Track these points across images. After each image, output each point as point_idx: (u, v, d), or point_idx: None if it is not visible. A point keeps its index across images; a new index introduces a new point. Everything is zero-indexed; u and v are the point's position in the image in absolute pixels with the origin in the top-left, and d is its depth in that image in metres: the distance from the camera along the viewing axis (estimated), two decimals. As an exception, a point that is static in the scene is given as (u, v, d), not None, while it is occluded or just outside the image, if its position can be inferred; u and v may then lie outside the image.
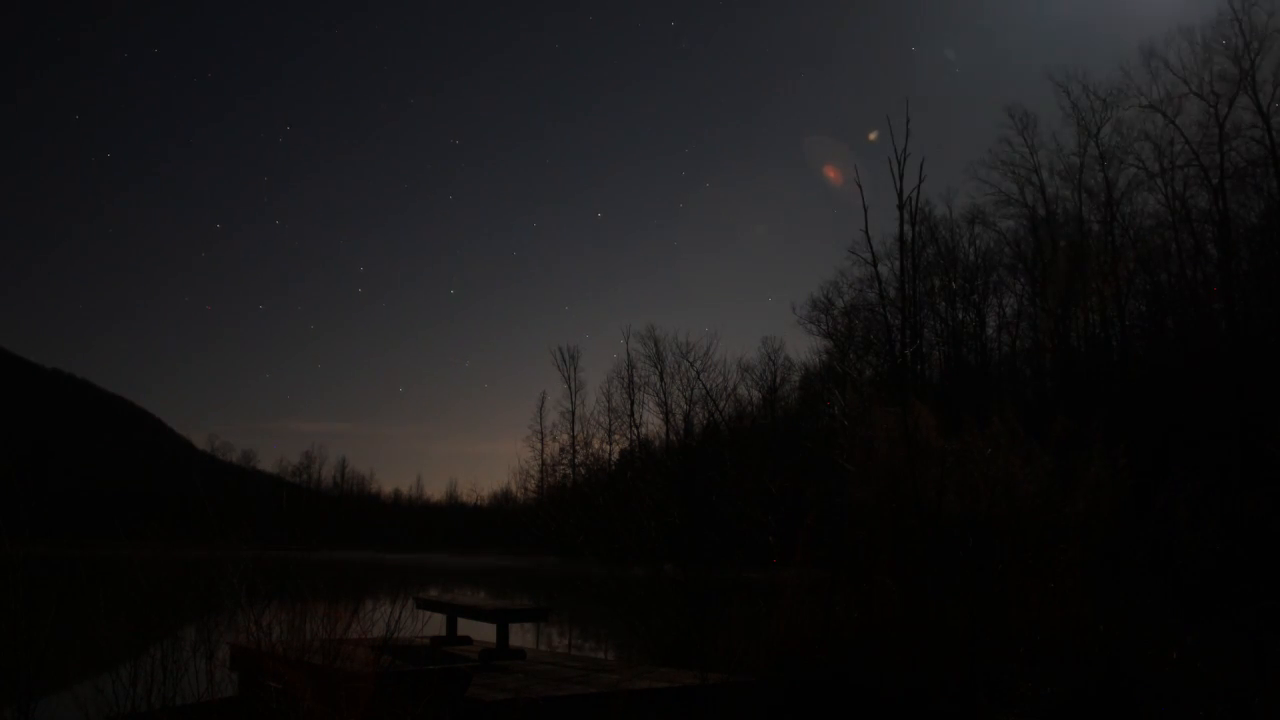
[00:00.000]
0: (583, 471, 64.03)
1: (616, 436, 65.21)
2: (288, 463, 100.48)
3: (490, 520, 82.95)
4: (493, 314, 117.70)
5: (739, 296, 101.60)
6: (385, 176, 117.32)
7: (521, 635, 12.83)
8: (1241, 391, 26.75)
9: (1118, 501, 8.22)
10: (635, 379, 63.51)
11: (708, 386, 56.14)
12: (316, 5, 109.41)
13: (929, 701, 6.88)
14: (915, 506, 7.83)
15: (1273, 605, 8.16)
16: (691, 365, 57.29)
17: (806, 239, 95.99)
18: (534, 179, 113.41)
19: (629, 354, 64.03)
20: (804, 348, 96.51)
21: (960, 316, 43.00)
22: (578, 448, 67.35)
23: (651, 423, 65.05)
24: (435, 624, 10.37)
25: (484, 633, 10.17)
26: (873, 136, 8.12)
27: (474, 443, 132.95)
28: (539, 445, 69.85)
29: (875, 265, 10.17)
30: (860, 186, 8.53)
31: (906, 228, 8.94)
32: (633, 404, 64.06)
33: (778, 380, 57.82)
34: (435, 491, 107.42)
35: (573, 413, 68.07)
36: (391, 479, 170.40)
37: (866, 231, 8.76)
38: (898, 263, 9.82)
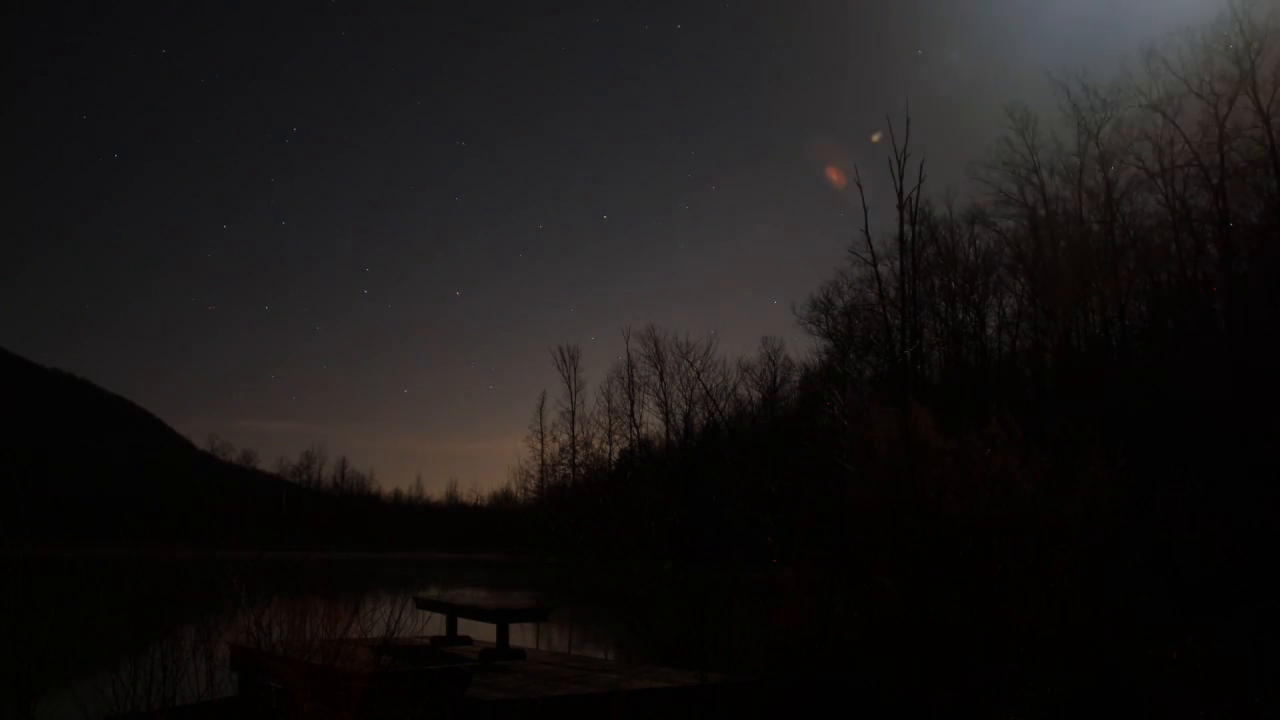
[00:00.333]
0: (583, 471, 63.98)
1: (616, 436, 65.19)
2: (288, 463, 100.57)
3: (490, 520, 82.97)
4: (496, 315, 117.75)
5: (739, 297, 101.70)
6: (391, 177, 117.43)
7: (521, 635, 12.83)
8: (1241, 391, 26.75)
9: (1117, 501, 8.22)
10: (635, 379, 63.48)
11: (708, 386, 56.12)
12: (322, 5, 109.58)
13: (929, 702, 6.88)
14: (915, 506, 7.83)
15: (1273, 605, 8.17)
16: (691, 365, 57.27)
17: (807, 239, 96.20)
18: (540, 180, 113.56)
19: (629, 354, 64.10)
20: (804, 348, 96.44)
21: (960, 316, 43.01)
22: (578, 448, 67.31)
23: (651, 423, 65.13)
24: (435, 624, 10.37)
25: (484, 633, 10.17)
26: (876, 138, 8.12)
27: (474, 443, 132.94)
28: (539, 445, 69.83)
29: (875, 265, 10.17)
30: (860, 187, 8.54)
31: (906, 228, 8.95)
32: (633, 404, 64.04)
33: (778, 380, 57.81)
34: (435, 491, 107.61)
35: (573, 413, 68.04)
36: (391, 479, 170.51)
37: (866, 231, 8.78)
38: (898, 263, 9.82)
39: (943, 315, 43.35)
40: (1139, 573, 7.92)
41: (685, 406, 59.07)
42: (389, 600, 6.82)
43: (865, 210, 8.58)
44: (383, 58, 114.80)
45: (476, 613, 9.80)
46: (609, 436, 65.17)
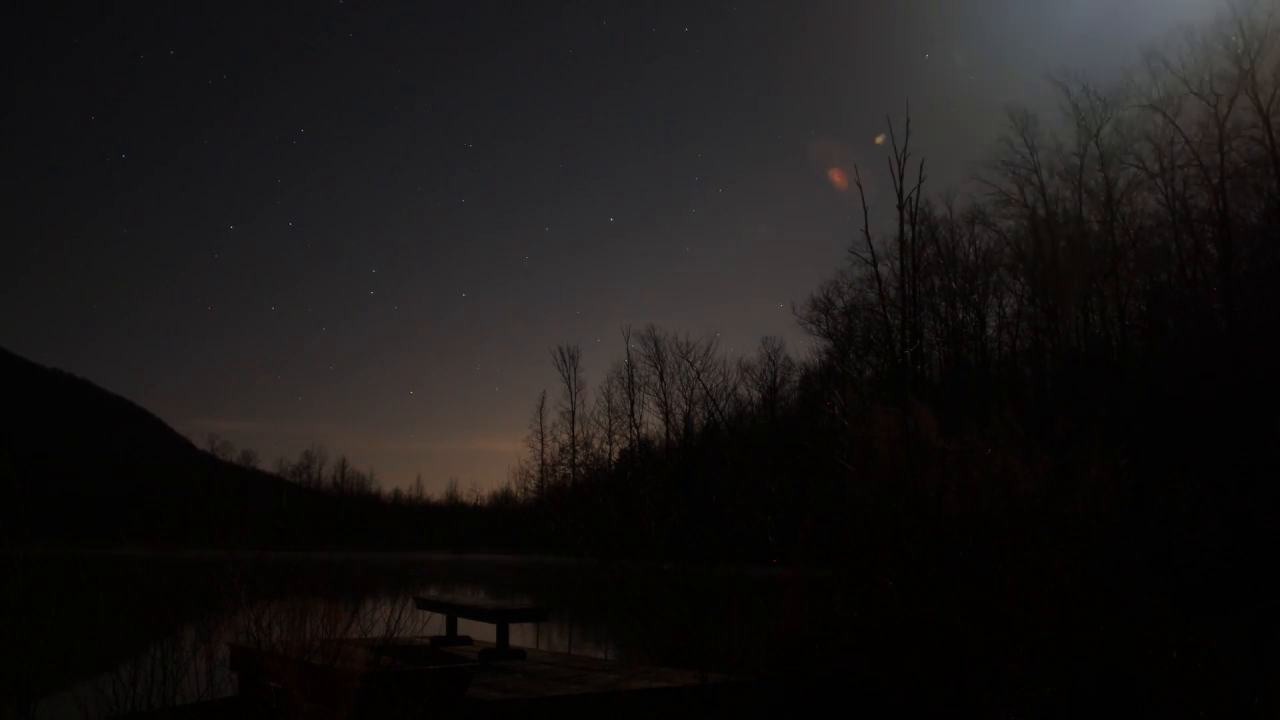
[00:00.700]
0: (583, 471, 64.06)
1: (616, 436, 65.29)
2: (288, 463, 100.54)
3: (490, 520, 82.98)
4: (500, 316, 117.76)
5: (739, 297, 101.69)
6: (398, 179, 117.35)
7: (521, 635, 12.83)
8: (1241, 391, 26.74)
9: (1117, 501, 8.22)
10: (635, 379, 63.59)
11: (708, 386, 56.20)
12: (329, 7, 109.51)
13: (929, 701, 6.88)
14: (915, 506, 7.83)
15: (1273, 605, 8.17)
16: (691, 365, 57.35)
17: (807, 239, 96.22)
18: (547, 183, 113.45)
19: (629, 354, 64.15)
20: (804, 348, 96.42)
21: (960, 316, 43.03)
22: (578, 448, 67.41)
23: (651, 423, 65.16)
24: (435, 624, 10.38)
25: (484, 633, 10.17)
26: (879, 140, 8.11)
27: (474, 443, 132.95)
28: (539, 445, 69.95)
29: (875, 265, 10.17)
30: (860, 187, 8.53)
31: (906, 228, 8.94)
32: (633, 404, 64.11)
33: (778, 380, 57.87)
34: (435, 491, 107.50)
35: (573, 413, 68.15)
36: (391, 479, 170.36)
37: (866, 232, 8.77)
38: (898, 263, 9.82)
39: (943, 315, 43.38)
40: (1139, 573, 7.91)
41: (685, 406, 59.13)
42: (389, 600, 6.82)
43: (865, 210, 8.57)
44: (390, 60, 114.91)
45: (476, 613, 9.80)
46: (609, 436, 65.31)
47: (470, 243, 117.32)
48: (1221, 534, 8.13)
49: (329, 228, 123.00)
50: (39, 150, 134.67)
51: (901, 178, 8.32)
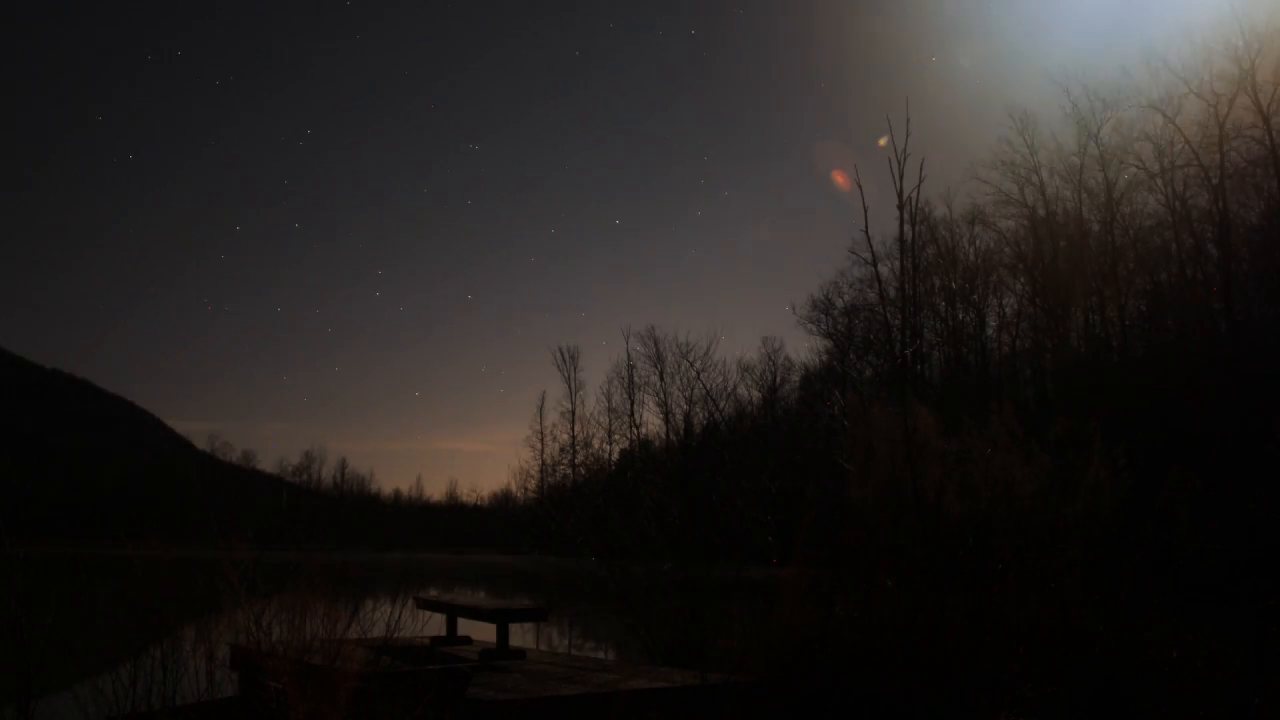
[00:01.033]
0: (583, 471, 64.08)
1: (616, 436, 65.32)
2: (288, 463, 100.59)
3: (490, 520, 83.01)
4: (505, 317, 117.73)
5: (739, 297, 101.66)
6: (405, 180, 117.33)
7: (521, 635, 12.84)
8: (1241, 391, 26.75)
9: (1117, 501, 8.22)
10: (635, 379, 63.60)
11: (708, 386, 56.20)
12: (336, 9, 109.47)
13: (929, 702, 6.88)
14: (915, 507, 7.83)
15: (1273, 605, 8.16)
16: (691, 365, 57.36)
17: (807, 239, 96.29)
18: (553, 185, 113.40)
19: (629, 354, 64.14)
20: (804, 348, 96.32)
21: (960, 316, 43.03)
22: (578, 448, 67.42)
23: (651, 423, 65.19)
24: (435, 624, 10.38)
25: (484, 633, 10.18)
26: (882, 142, 8.11)
27: (474, 443, 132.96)
28: (539, 445, 69.91)
29: (875, 265, 10.18)
30: (860, 186, 8.53)
31: (906, 228, 8.95)
32: (633, 404, 64.14)
33: (778, 380, 57.89)
34: (435, 491, 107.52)
35: (573, 413, 68.16)
36: (391, 479, 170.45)
37: (866, 232, 8.76)
38: (898, 263, 9.83)
39: (943, 315, 43.39)
40: (1139, 573, 7.91)
41: (685, 406, 59.14)
42: (389, 600, 6.82)
43: (865, 210, 8.57)
44: (397, 61, 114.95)
45: (476, 613, 9.80)
46: (609, 436, 65.34)
47: (476, 244, 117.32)
48: (1221, 534, 8.13)
49: (335, 229, 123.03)
50: (42, 150, 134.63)
51: (901, 178, 8.32)
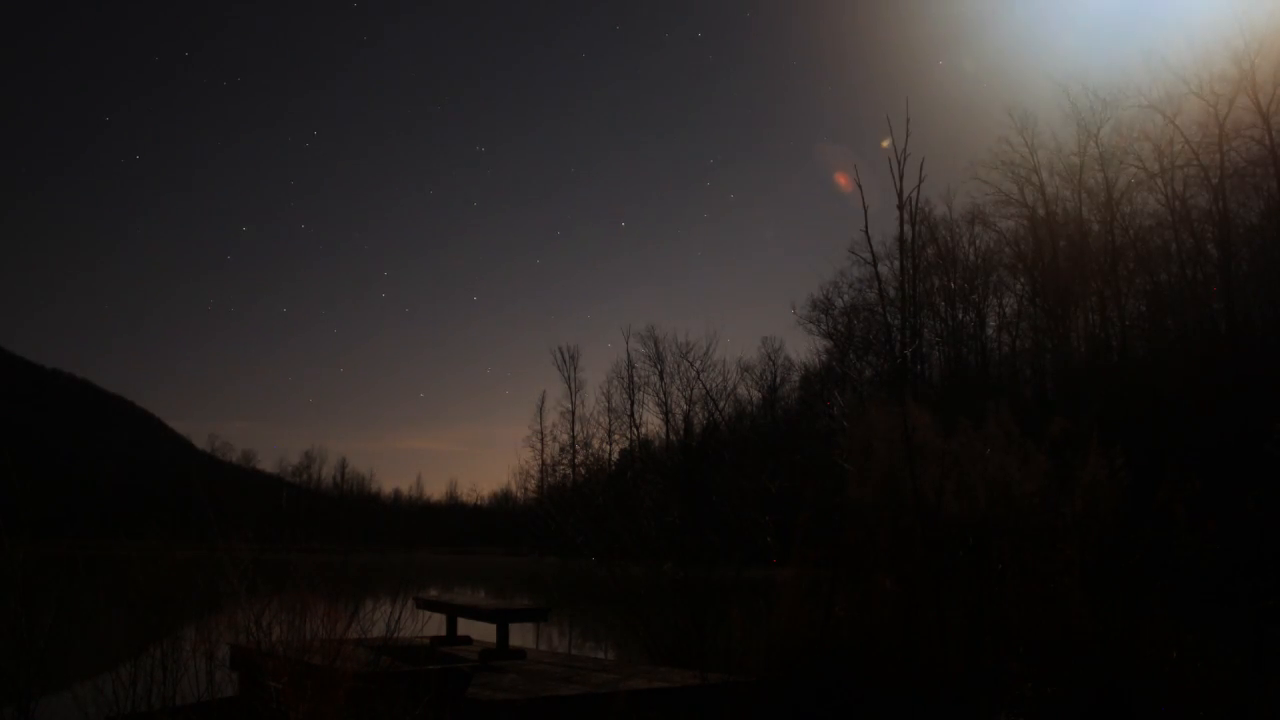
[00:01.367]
0: (583, 471, 64.07)
1: (616, 436, 65.31)
2: (288, 463, 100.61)
3: (490, 520, 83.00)
4: (508, 318, 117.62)
5: (739, 297, 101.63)
6: (411, 182, 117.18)
7: (521, 635, 12.83)
8: (1241, 391, 26.75)
9: (1116, 501, 8.22)
10: (635, 379, 63.60)
11: (708, 386, 56.22)
12: (344, 11, 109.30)
13: (929, 702, 6.88)
14: (915, 507, 7.83)
15: (1273, 605, 8.16)
16: (691, 365, 57.38)
17: (808, 240, 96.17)
18: (559, 187, 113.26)
19: (629, 354, 64.15)
20: (804, 348, 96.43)
21: (960, 316, 43.03)
22: (578, 448, 67.40)
23: (651, 423, 65.13)
24: (435, 624, 10.38)
25: (484, 633, 10.18)
26: (886, 144, 8.11)
27: (474, 443, 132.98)
28: (539, 445, 69.90)
29: (875, 265, 10.19)
30: (860, 187, 8.53)
31: (906, 228, 8.95)
32: (633, 404, 64.15)
33: (778, 380, 57.88)
34: (435, 491, 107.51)
35: (573, 413, 68.14)
36: (391, 479, 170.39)
37: (866, 232, 8.76)
38: (898, 263, 9.83)
39: (943, 315, 43.40)
40: (1139, 573, 7.91)
41: (685, 406, 59.13)
42: (389, 600, 6.82)
43: (865, 210, 8.57)
44: (404, 63, 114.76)
45: (476, 613, 9.81)
46: (609, 436, 65.32)
47: (482, 246, 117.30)
48: (1221, 534, 8.13)
49: (342, 231, 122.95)
50: (44, 150, 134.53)
51: (901, 177, 8.32)
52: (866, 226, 8.72)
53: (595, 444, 66.12)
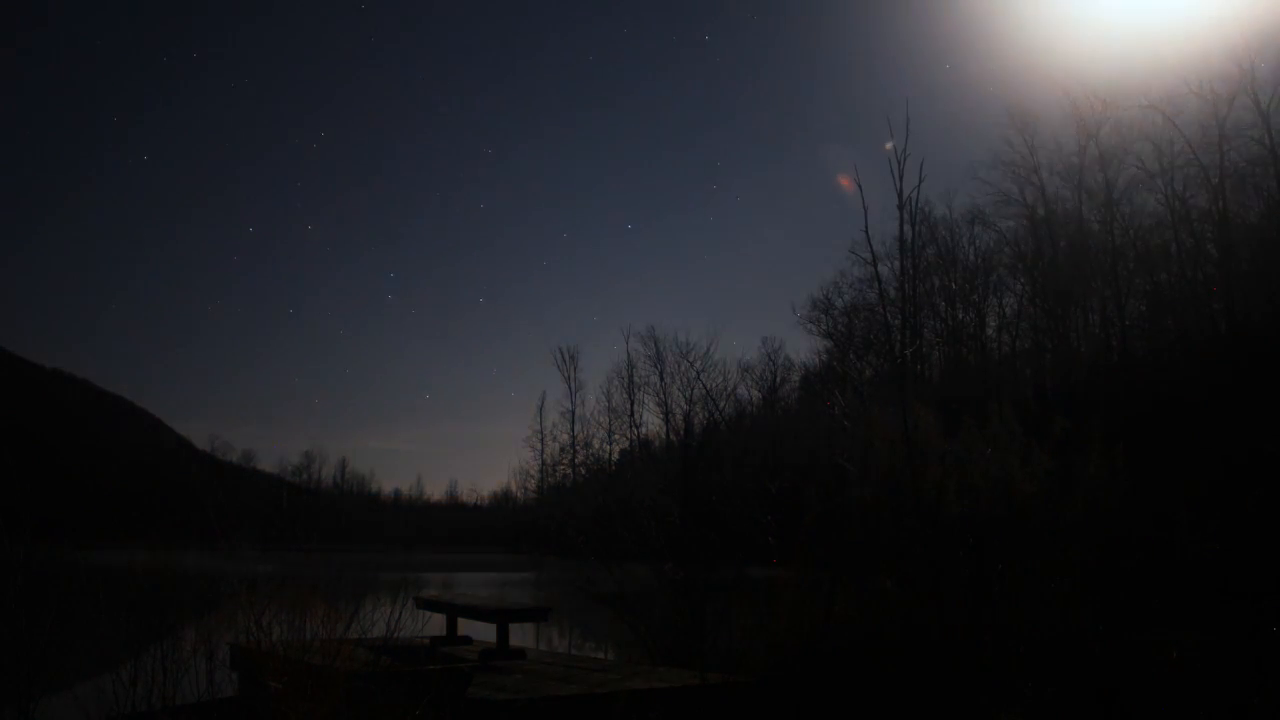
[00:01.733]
0: (583, 471, 64.05)
1: (616, 436, 65.25)
2: (288, 463, 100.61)
3: (490, 520, 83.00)
4: (514, 319, 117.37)
5: (739, 297, 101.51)
6: (417, 183, 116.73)
7: (521, 635, 12.82)
8: (1241, 391, 26.75)
9: (1117, 501, 8.22)
10: (635, 379, 63.57)
11: (708, 386, 56.17)
12: (351, 12, 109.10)
13: (928, 702, 6.88)
14: (915, 506, 7.83)
15: (1273, 605, 8.17)
16: (691, 365, 57.34)
17: (808, 240, 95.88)
18: (566, 189, 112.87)
19: (629, 354, 64.09)
20: (804, 348, 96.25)
21: (960, 316, 43.01)
22: (578, 448, 67.35)
23: (651, 423, 65.01)
24: (435, 624, 10.37)
25: (484, 633, 10.18)
26: (889, 146, 8.14)
27: (474, 443, 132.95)
28: (539, 445, 69.82)
29: (875, 265, 10.20)
30: (860, 187, 8.54)
31: (906, 228, 8.96)
32: (633, 404, 64.10)
33: (778, 380, 57.83)
34: (435, 491, 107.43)
35: (573, 413, 68.05)
36: (392, 479, 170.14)
37: (866, 232, 8.77)
38: (898, 263, 9.84)
39: (943, 315, 43.37)
40: (1139, 573, 7.92)
41: (685, 406, 59.04)
42: (389, 600, 6.82)
43: (865, 210, 8.58)
44: (412, 65, 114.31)
45: (476, 613, 9.80)
46: (609, 436, 65.24)
47: (489, 248, 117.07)
48: (1221, 534, 8.14)
49: (349, 231, 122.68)
50: (46, 151, 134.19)
51: (901, 178, 8.33)
52: (866, 226, 8.71)
53: (595, 444, 66.13)
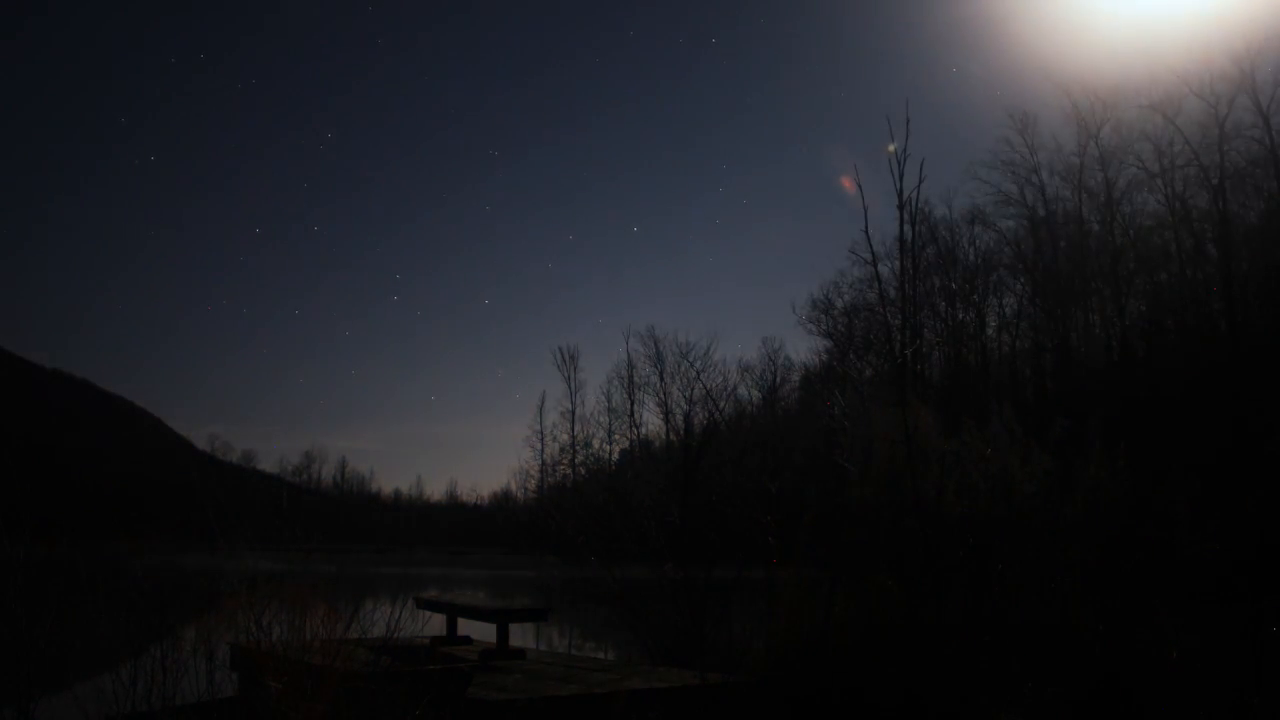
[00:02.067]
0: (583, 471, 64.01)
1: (616, 436, 65.27)
2: (288, 463, 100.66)
3: (490, 520, 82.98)
4: (518, 320, 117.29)
5: (739, 297, 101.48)
6: (423, 184, 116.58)
7: (521, 635, 12.82)
8: (1241, 391, 26.75)
9: (1117, 501, 8.22)
10: (635, 379, 63.59)
11: (708, 386, 56.16)
12: (357, 16, 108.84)
13: (929, 702, 6.88)
14: (915, 506, 7.83)
15: (1273, 605, 8.17)
16: (691, 365, 57.37)
17: (808, 240, 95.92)
18: (572, 191, 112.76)
19: (629, 354, 64.11)
20: (804, 348, 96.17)
21: (960, 316, 42.99)
22: (578, 448, 67.34)
23: (651, 423, 65.03)
24: (435, 624, 10.38)
25: (484, 633, 10.18)
26: (892, 148, 8.13)
27: (474, 443, 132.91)
28: (539, 445, 69.83)
29: (875, 265, 10.21)
30: (860, 187, 8.53)
31: (906, 228, 8.98)
32: (633, 404, 64.13)
33: (778, 380, 57.83)
34: (435, 491, 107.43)
35: (573, 413, 68.04)
36: (392, 479, 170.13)
37: (866, 232, 8.76)
38: (898, 263, 9.84)
39: (943, 315, 43.36)
40: (1139, 573, 7.92)
41: (685, 406, 59.04)
42: (389, 600, 6.82)
43: (865, 210, 8.57)
44: (418, 66, 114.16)
45: (476, 613, 9.81)
46: (609, 436, 65.26)
47: (494, 250, 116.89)
48: (1221, 534, 8.14)
49: (355, 233, 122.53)
50: (48, 151, 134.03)
51: (901, 178, 8.33)
52: (866, 226, 8.71)
53: (595, 444, 66.14)
